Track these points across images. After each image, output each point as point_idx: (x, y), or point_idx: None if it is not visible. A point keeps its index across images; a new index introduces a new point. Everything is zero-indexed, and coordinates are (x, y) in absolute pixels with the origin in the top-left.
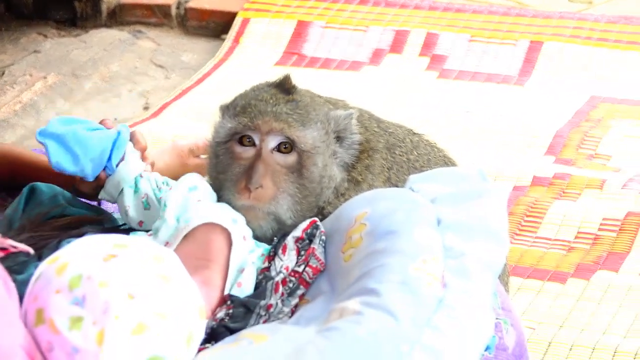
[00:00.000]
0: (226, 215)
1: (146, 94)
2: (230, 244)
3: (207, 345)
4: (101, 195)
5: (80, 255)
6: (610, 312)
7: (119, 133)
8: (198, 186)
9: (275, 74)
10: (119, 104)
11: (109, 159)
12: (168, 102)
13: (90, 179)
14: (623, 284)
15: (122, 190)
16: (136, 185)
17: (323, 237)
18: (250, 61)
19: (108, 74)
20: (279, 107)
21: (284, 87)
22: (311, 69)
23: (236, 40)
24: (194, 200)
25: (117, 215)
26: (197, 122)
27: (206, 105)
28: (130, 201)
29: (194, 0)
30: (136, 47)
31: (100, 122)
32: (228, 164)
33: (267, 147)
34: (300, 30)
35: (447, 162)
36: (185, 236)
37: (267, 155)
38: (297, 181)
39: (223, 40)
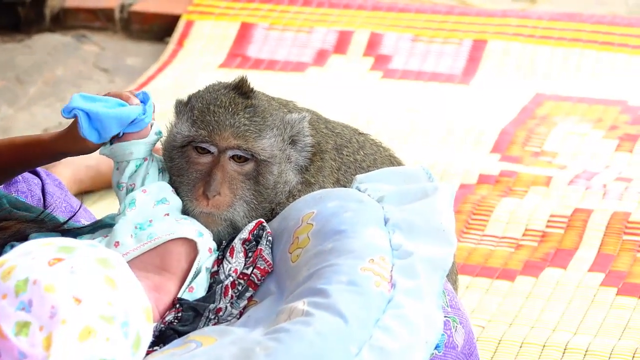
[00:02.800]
0: (192, 229)
1: None
2: (192, 255)
3: (155, 348)
4: (102, 151)
5: (26, 259)
6: (559, 308)
7: (143, 111)
8: (167, 198)
9: (219, 77)
10: None
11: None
12: None
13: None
14: (572, 281)
15: (128, 161)
16: (139, 167)
17: (270, 238)
18: (194, 64)
19: (52, 78)
20: (238, 117)
21: (241, 90)
22: (256, 71)
23: (180, 43)
24: (160, 213)
25: (60, 217)
26: None
27: None
28: (126, 179)
29: (137, 4)
30: (80, 51)
31: (123, 97)
32: (184, 168)
33: (225, 156)
34: (244, 32)
35: (393, 161)
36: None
37: (225, 163)
38: (254, 188)
39: (167, 43)
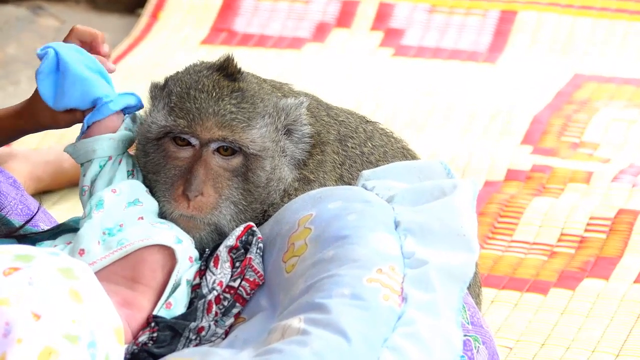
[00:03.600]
0: (169, 234)
1: None
2: (169, 264)
3: None
4: (66, 149)
5: None
6: (600, 326)
7: (110, 96)
8: (140, 200)
9: (202, 55)
10: (17, 93)
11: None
12: None
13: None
14: (614, 294)
15: (91, 161)
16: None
17: (260, 245)
18: (171, 40)
19: (4, 57)
20: (223, 103)
21: (227, 71)
22: (244, 48)
23: (154, 16)
24: (133, 217)
25: (16, 221)
26: None
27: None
28: (88, 182)
29: None
30: (36, 25)
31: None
32: (161, 164)
33: (208, 149)
34: (230, 3)
35: (406, 154)
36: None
37: (208, 157)
38: (242, 186)
39: (139, 16)
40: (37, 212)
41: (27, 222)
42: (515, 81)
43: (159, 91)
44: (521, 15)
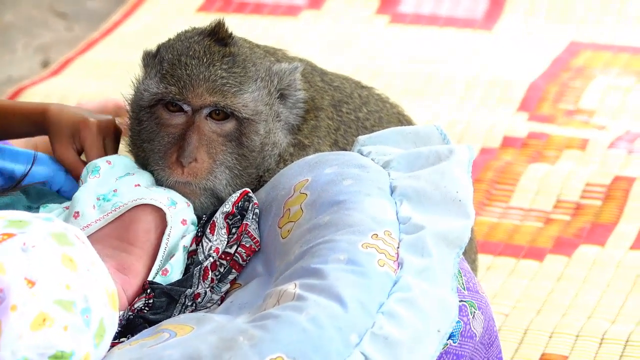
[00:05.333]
0: (163, 196)
1: (45, 48)
2: (163, 227)
3: (122, 339)
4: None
5: None
6: (596, 292)
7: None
8: (133, 172)
9: (197, 22)
10: (13, 61)
11: None
12: (71, 58)
13: None
14: (610, 260)
15: None
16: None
17: (257, 211)
18: (167, 7)
19: (0, 25)
20: (213, 68)
21: (218, 36)
22: (240, 15)
23: None
24: (129, 184)
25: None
26: (105, 80)
27: (117, 60)
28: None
29: None
30: None
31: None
32: (154, 132)
33: (201, 114)
34: None
35: (402, 120)
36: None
37: (201, 122)
38: (237, 151)
39: None
40: (32, 164)
41: (23, 177)
42: (512, 49)
43: (151, 59)
44: None
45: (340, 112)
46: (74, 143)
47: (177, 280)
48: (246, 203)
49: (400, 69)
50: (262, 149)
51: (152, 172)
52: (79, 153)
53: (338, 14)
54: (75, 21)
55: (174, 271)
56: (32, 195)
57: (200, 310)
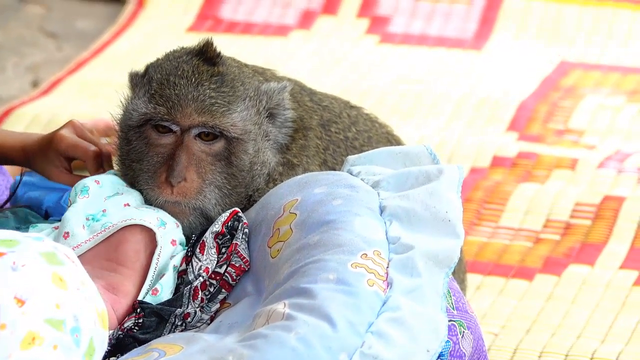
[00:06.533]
0: (152, 216)
1: (35, 68)
2: (153, 247)
3: (112, 359)
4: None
5: None
6: (585, 312)
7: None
8: (122, 191)
9: (187, 42)
10: (4, 80)
11: None
12: (61, 77)
13: None
14: (600, 280)
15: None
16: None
17: (246, 230)
18: (157, 27)
19: None
20: (202, 88)
21: (206, 55)
22: (230, 35)
23: (140, 3)
24: (118, 204)
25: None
26: (95, 99)
27: (107, 80)
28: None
29: None
30: (22, 13)
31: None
32: (143, 152)
33: (190, 134)
34: None
35: (391, 139)
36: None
37: (190, 142)
38: (226, 171)
39: (125, 3)
40: (17, 186)
41: (10, 197)
42: (502, 68)
43: (140, 79)
44: (507, 2)
45: (329, 132)
46: (62, 162)
47: (167, 300)
48: (236, 223)
49: (390, 88)
50: (251, 168)
51: (141, 192)
52: (70, 170)
53: (328, 34)
54: (66, 41)
55: (164, 291)
56: (20, 216)
57: (190, 329)
